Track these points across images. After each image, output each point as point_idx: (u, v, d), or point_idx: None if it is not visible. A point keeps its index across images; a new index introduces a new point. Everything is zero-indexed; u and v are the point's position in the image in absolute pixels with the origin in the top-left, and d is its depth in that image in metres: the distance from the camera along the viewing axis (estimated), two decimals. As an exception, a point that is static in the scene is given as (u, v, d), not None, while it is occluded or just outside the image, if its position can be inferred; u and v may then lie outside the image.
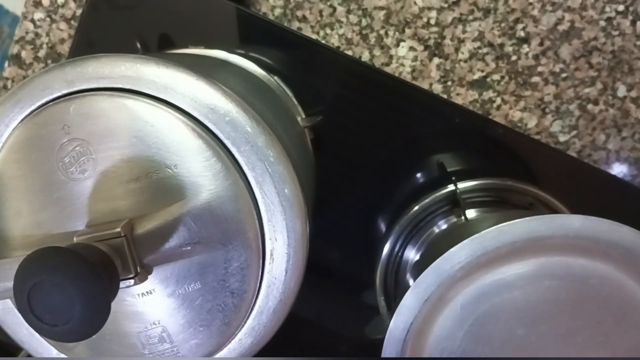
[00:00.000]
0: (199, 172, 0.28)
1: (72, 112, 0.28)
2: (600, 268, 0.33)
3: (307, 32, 0.53)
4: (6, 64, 0.57)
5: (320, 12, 0.52)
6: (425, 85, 0.53)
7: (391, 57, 0.53)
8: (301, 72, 0.50)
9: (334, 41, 0.53)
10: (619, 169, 0.53)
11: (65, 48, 0.55)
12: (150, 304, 0.29)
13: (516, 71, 0.52)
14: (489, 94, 0.53)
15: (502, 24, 0.51)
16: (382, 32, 0.52)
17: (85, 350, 0.30)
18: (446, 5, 0.51)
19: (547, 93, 0.52)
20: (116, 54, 0.28)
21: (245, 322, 0.30)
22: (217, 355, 0.30)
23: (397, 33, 0.52)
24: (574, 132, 0.53)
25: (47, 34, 0.55)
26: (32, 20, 0.55)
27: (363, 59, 0.53)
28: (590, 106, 0.52)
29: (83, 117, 0.28)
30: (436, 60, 0.52)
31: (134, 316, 0.29)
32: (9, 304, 0.30)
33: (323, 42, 0.53)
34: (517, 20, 0.51)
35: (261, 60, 0.45)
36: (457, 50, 0.52)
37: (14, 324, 0.31)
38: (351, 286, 0.54)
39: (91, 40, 0.51)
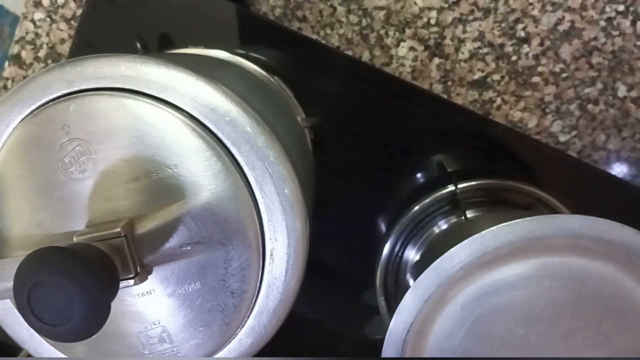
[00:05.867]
0: (199, 172, 0.28)
1: (72, 112, 0.28)
2: (600, 268, 0.33)
3: (307, 32, 0.53)
4: (6, 64, 0.57)
5: (321, 12, 0.52)
6: (425, 85, 0.53)
7: (391, 57, 0.53)
8: (301, 72, 0.50)
9: (334, 41, 0.53)
10: (619, 169, 0.53)
11: (65, 48, 0.55)
12: (150, 304, 0.29)
13: (516, 71, 0.52)
14: (489, 94, 0.53)
15: (502, 24, 0.51)
16: (382, 32, 0.52)
17: (85, 350, 0.30)
18: (446, 5, 0.51)
19: (547, 93, 0.52)
20: (116, 54, 0.28)
21: (245, 322, 0.30)
22: (217, 355, 0.30)
23: (397, 33, 0.52)
24: (574, 132, 0.53)
25: (47, 34, 0.55)
26: (32, 21, 0.55)
27: (363, 59, 0.53)
28: (590, 106, 0.52)
29: (83, 117, 0.28)
30: (436, 60, 0.52)
31: (134, 316, 0.29)
32: (9, 304, 0.30)
33: (323, 42, 0.53)
34: (517, 21, 0.51)
35: (261, 60, 0.45)
36: (457, 50, 0.52)
37: (14, 324, 0.31)
38: (351, 286, 0.54)
39: (91, 40, 0.51)
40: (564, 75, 0.52)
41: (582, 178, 0.50)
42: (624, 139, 0.53)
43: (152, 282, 0.29)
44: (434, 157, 0.51)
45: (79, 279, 0.23)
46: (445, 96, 0.53)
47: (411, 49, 0.52)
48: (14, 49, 0.56)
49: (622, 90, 0.52)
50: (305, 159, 0.42)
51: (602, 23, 0.51)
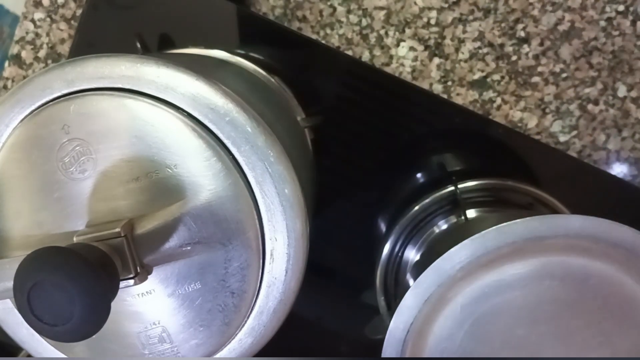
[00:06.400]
0: (199, 172, 0.28)
1: (72, 112, 0.28)
2: (600, 268, 0.33)
3: (307, 32, 0.53)
4: (6, 64, 0.57)
5: (321, 12, 0.52)
6: (425, 85, 0.53)
7: (391, 57, 0.53)
8: (301, 72, 0.50)
9: (334, 41, 0.53)
10: (619, 169, 0.53)
11: (65, 48, 0.55)
12: (150, 304, 0.29)
13: (516, 71, 0.52)
14: (489, 94, 0.53)
15: (503, 24, 0.51)
16: (382, 32, 0.52)
17: (85, 350, 0.30)
18: (446, 5, 0.51)
19: (547, 93, 0.52)
20: (116, 54, 0.28)
21: (245, 322, 0.30)
22: (217, 355, 0.30)
23: (397, 33, 0.52)
24: (574, 132, 0.53)
25: (47, 34, 0.55)
26: (32, 20, 0.55)
27: (363, 59, 0.53)
28: (590, 106, 0.52)
29: (83, 117, 0.28)
30: (436, 60, 0.52)
31: (134, 316, 0.29)
32: (9, 304, 0.30)
33: (323, 42, 0.53)
34: (517, 20, 0.51)
35: (261, 60, 0.45)
36: (457, 50, 0.52)
37: (14, 324, 0.31)
38: (351, 286, 0.54)
39: (91, 40, 0.51)
40: (564, 75, 0.52)
41: (582, 178, 0.50)
42: (624, 139, 0.53)
43: (152, 282, 0.29)
44: (434, 157, 0.51)
45: (79, 279, 0.23)
46: (445, 96, 0.53)
47: (411, 49, 0.52)
48: (14, 49, 0.56)
49: (622, 90, 0.52)
50: (305, 159, 0.42)
51: (602, 23, 0.51)
